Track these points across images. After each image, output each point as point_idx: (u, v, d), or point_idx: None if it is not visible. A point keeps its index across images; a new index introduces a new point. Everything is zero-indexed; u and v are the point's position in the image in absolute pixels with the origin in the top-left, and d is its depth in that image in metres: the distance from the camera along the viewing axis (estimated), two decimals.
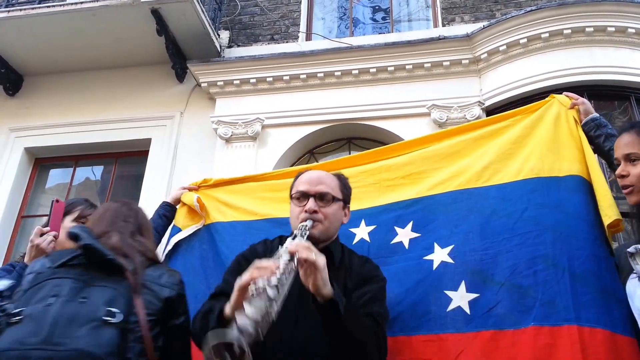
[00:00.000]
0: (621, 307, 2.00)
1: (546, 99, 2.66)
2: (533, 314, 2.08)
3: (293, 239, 1.76)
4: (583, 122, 2.46)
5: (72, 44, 5.68)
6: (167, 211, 2.87)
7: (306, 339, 1.70)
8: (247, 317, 1.34)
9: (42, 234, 2.21)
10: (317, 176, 2.03)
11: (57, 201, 2.32)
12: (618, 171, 1.99)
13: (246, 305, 1.37)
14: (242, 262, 1.90)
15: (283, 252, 1.56)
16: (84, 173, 6.03)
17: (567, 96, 2.60)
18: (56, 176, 6.01)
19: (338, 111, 5.28)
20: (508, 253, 2.24)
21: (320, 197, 1.95)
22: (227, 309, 1.56)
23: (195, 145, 5.45)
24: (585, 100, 2.54)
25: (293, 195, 2.03)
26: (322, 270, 1.55)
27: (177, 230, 2.80)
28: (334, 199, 1.98)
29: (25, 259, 2.16)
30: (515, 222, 2.30)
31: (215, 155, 5.28)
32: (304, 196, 1.95)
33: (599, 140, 2.38)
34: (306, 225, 1.84)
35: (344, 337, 1.62)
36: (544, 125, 2.53)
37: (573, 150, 2.40)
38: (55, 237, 2.22)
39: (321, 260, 1.56)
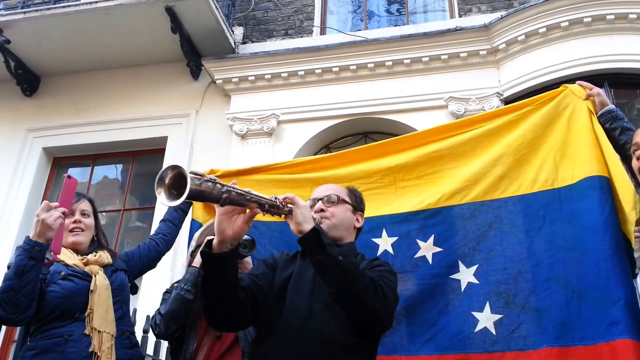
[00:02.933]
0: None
1: (559, 88, 2.59)
2: (546, 336, 2.16)
3: None
4: (599, 114, 2.40)
5: (87, 44, 5.70)
6: (182, 204, 2.84)
7: (320, 328, 1.75)
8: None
9: (49, 209, 2.05)
10: (326, 186, 2.16)
11: (69, 177, 2.19)
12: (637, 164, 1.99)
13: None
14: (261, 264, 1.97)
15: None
16: (102, 172, 6.07)
17: (581, 86, 2.51)
18: (74, 175, 5.92)
19: (354, 105, 5.23)
20: (527, 274, 2.31)
21: (328, 199, 2.05)
22: None
23: (211, 142, 5.45)
24: (600, 90, 2.46)
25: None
26: (302, 207, 1.69)
27: (198, 225, 2.78)
28: (340, 200, 2.05)
29: (31, 234, 2.02)
30: (532, 240, 2.35)
31: (232, 152, 5.27)
32: (314, 203, 2.04)
33: (614, 134, 2.33)
34: (314, 218, 1.87)
35: (335, 272, 1.69)
36: (557, 124, 2.49)
37: (589, 149, 2.35)
38: (64, 213, 2.07)
39: (302, 201, 1.71)
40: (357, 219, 2.09)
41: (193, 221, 2.88)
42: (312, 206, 2.03)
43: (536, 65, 4.79)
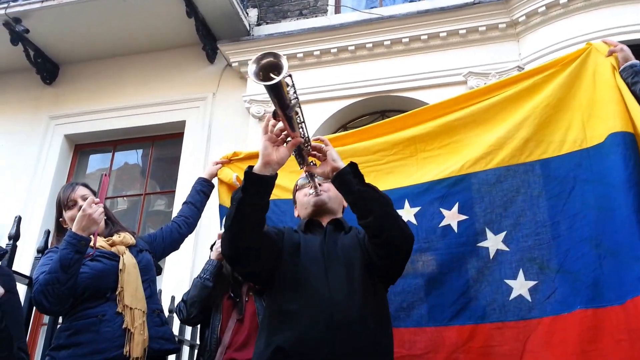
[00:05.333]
0: None
1: (583, 47, 2.50)
2: (580, 298, 2.13)
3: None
4: (620, 68, 2.33)
5: (104, 31, 5.73)
6: (204, 187, 2.90)
7: (338, 289, 1.82)
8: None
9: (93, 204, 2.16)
10: None
11: (106, 175, 2.33)
12: None
13: None
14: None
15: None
16: (122, 158, 6.14)
17: (605, 42, 2.44)
18: (96, 161, 6.14)
19: (371, 84, 5.18)
20: (560, 237, 2.26)
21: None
22: None
23: (228, 125, 5.47)
24: (624, 46, 2.38)
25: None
26: (332, 148, 1.88)
27: (225, 210, 2.82)
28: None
29: (74, 228, 2.10)
30: (564, 203, 2.29)
31: (249, 134, 5.27)
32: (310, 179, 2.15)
33: (635, 88, 2.26)
34: (316, 188, 2.09)
35: (375, 201, 1.83)
36: (583, 83, 2.41)
37: (613, 105, 2.27)
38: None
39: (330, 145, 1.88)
40: (344, 200, 2.16)
41: (221, 207, 2.94)
42: (307, 183, 2.15)
43: (558, 37, 4.67)
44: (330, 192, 2.10)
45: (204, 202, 2.89)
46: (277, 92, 1.53)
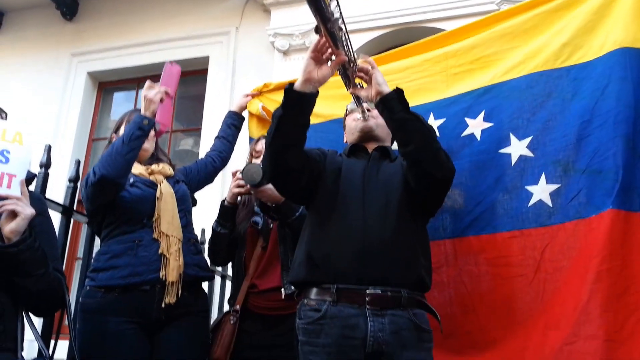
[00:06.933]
0: None
1: None
2: (612, 198, 1.93)
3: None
4: None
5: None
6: (235, 120, 2.92)
7: (373, 214, 1.82)
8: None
9: (151, 87, 2.26)
10: None
11: (172, 64, 2.40)
12: None
13: None
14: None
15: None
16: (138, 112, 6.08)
17: None
18: (120, 99, 6.11)
19: (399, 14, 4.95)
20: (589, 137, 2.06)
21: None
22: None
23: (253, 60, 5.35)
24: None
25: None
26: (378, 71, 1.79)
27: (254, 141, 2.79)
28: None
29: (142, 111, 2.23)
30: (597, 101, 2.07)
31: (274, 69, 5.14)
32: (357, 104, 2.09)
33: None
34: (364, 113, 2.03)
35: (417, 131, 1.79)
36: None
37: None
38: (167, 92, 2.28)
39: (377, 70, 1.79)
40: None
41: (251, 139, 2.93)
42: (354, 109, 2.09)
43: None
44: (378, 119, 2.03)
45: (235, 136, 2.92)
46: (316, 3, 1.46)
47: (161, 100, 2.25)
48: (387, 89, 1.79)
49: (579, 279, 1.93)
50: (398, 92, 1.78)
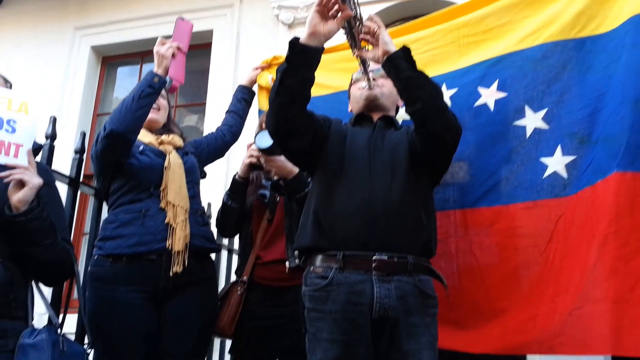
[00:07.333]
0: None
1: None
2: (617, 161, 1.92)
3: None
4: None
5: None
6: (245, 94, 2.91)
7: (379, 179, 1.82)
8: None
9: (163, 44, 2.25)
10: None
11: (182, 19, 2.37)
12: None
13: None
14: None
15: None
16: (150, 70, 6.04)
17: None
18: (124, 74, 6.06)
19: None
20: (604, 109, 2.04)
21: (378, 71, 2.06)
22: None
23: (257, 34, 5.27)
24: None
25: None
26: (385, 30, 1.77)
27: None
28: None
29: (155, 68, 2.23)
30: (612, 74, 2.05)
31: (279, 42, 5.06)
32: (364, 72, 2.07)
33: None
34: (369, 81, 2.01)
35: (424, 89, 1.77)
36: None
37: None
38: (179, 48, 2.26)
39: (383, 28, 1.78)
40: (399, 99, 2.09)
41: (260, 112, 2.90)
42: (362, 77, 2.06)
43: None
44: (384, 88, 2.04)
45: (246, 110, 2.92)
46: None
47: (173, 56, 2.23)
48: (394, 47, 1.77)
49: (587, 244, 1.93)
50: (405, 51, 1.77)
